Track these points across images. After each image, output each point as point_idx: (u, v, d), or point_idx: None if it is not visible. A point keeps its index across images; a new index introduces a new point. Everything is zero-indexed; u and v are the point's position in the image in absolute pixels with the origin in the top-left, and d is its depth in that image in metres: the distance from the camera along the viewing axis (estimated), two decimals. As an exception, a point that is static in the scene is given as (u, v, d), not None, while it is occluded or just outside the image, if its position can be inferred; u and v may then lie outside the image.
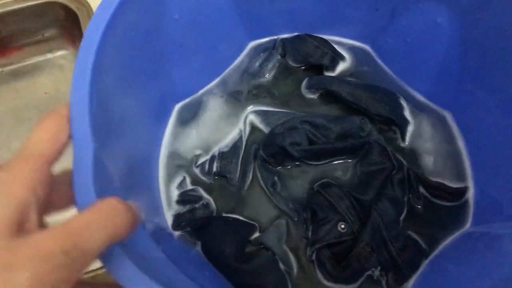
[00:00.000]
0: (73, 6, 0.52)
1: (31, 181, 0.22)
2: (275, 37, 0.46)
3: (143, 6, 0.32)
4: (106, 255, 0.23)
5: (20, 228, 0.20)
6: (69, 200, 0.24)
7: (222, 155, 0.41)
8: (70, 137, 0.25)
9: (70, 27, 0.55)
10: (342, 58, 0.45)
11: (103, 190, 0.25)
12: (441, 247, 0.37)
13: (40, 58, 0.58)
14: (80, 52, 0.27)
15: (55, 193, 0.24)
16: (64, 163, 0.25)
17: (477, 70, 0.37)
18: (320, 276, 0.36)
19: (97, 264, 0.36)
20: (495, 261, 0.30)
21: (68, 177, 0.25)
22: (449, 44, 0.38)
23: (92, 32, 0.28)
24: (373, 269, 0.36)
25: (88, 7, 0.52)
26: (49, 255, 0.19)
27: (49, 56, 0.58)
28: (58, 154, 0.24)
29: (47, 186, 0.23)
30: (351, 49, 0.46)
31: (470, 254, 0.34)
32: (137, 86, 0.35)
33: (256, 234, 0.38)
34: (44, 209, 0.23)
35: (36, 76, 0.57)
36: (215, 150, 0.41)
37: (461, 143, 0.41)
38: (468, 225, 0.38)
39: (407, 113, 0.42)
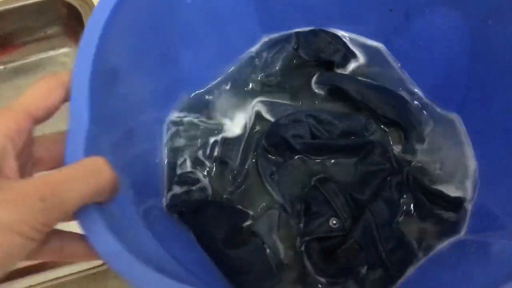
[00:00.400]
0: (75, 3, 0.53)
1: (8, 129, 0.23)
2: (289, 32, 0.46)
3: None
4: (88, 226, 0.23)
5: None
6: (60, 160, 0.25)
7: (224, 141, 0.41)
8: (62, 102, 0.26)
9: (73, 24, 0.55)
10: (354, 56, 0.45)
11: None
12: (433, 252, 0.37)
13: (43, 55, 0.58)
14: (88, 25, 0.28)
15: (46, 152, 0.26)
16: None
17: (486, 76, 0.37)
18: (307, 268, 0.36)
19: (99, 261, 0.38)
20: (484, 268, 0.30)
21: (61, 137, 0.25)
22: (460, 49, 0.38)
23: (102, 8, 0.29)
24: (360, 267, 0.36)
25: (91, 4, 0.52)
26: (26, 199, 0.20)
27: (52, 53, 0.58)
28: (45, 113, 0.25)
29: (27, 137, 0.24)
30: (364, 47, 0.45)
31: (461, 261, 0.34)
32: (145, 69, 0.36)
33: (249, 222, 0.38)
34: (28, 161, 0.25)
35: (38, 74, 0.57)
36: (219, 135, 0.42)
37: (468, 150, 0.40)
38: (462, 233, 0.37)
39: (413, 118, 0.42)
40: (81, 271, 0.40)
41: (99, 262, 0.39)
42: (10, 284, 0.39)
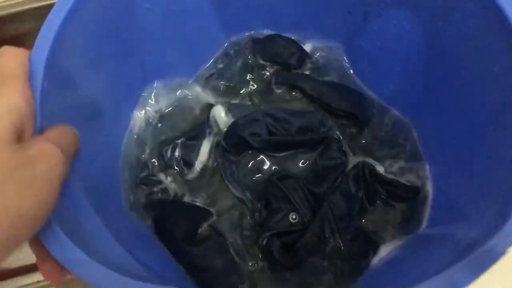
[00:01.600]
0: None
1: (24, 93, 0.25)
2: (248, 35, 0.47)
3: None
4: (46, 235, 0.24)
5: (20, 136, 0.24)
6: None
7: (185, 143, 0.42)
8: None
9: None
10: (309, 58, 0.46)
11: None
12: (394, 244, 0.38)
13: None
14: (42, 29, 0.29)
15: None
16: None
17: (440, 77, 0.38)
18: (269, 263, 0.37)
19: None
20: (443, 255, 0.30)
21: None
22: (415, 50, 0.39)
23: (58, 10, 0.29)
24: (320, 258, 0.36)
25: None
26: (52, 152, 0.24)
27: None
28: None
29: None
30: (323, 49, 0.47)
31: (422, 252, 0.35)
32: (105, 69, 0.36)
33: (211, 220, 0.39)
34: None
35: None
36: (179, 137, 0.42)
37: (420, 145, 0.41)
38: (423, 226, 0.38)
39: (369, 111, 0.43)
40: None
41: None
42: (18, 280, 0.40)
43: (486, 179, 0.31)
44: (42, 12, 0.52)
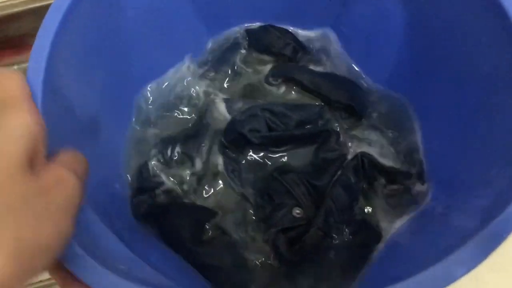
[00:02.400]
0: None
1: (36, 114, 0.24)
2: (238, 30, 0.47)
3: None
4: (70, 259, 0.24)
5: (33, 160, 0.22)
6: None
7: (184, 142, 0.42)
8: None
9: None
10: (304, 48, 0.46)
11: None
12: (397, 228, 0.38)
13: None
14: (35, 45, 0.28)
15: None
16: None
17: (429, 54, 0.38)
18: (276, 259, 0.37)
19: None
20: (444, 234, 0.31)
21: None
22: (401, 30, 0.39)
23: (47, 26, 0.29)
24: (327, 252, 0.36)
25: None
26: (69, 179, 0.23)
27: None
28: None
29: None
30: (313, 39, 0.47)
31: (423, 230, 0.36)
32: (97, 80, 0.36)
33: (215, 219, 0.39)
34: None
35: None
36: (179, 136, 0.42)
37: (418, 129, 0.42)
38: (423, 206, 0.38)
39: (365, 101, 0.43)
40: None
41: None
42: None
43: (488, 148, 0.32)
44: (42, 12, 0.51)
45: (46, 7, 0.50)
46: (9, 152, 0.21)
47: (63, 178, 0.23)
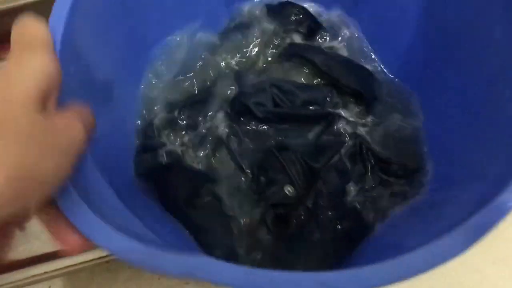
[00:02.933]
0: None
1: (54, 58, 0.26)
2: (257, 1, 0.47)
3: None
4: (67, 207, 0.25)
5: (46, 102, 0.24)
6: None
7: (192, 106, 0.42)
8: None
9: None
10: (321, 28, 0.46)
11: None
12: (392, 218, 0.38)
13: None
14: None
15: None
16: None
17: (441, 50, 0.38)
18: (263, 231, 0.38)
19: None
20: (433, 224, 0.31)
21: None
22: (416, 21, 0.39)
23: None
24: (313, 232, 0.37)
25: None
26: (76, 126, 0.25)
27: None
28: None
29: None
30: (331, 19, 0.47)
31: (418, 221, 0.36)
32: (113, 38, 0.37)
33: (211, 185, 0.40)
34: None
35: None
36: (186, 101, 0.43)
37: (422, 121, 0.42)
38: (423, 195, 0.38)
39: (375, 89, 0.43)
40: (94, 259, 0.41)
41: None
42: (26, 271, 0.40)
43: (488, 141, 0.32)
44: (41, 6, 0.51)
45: (44, 1, 0.50)
46: (27, 87, 0.23)
47: (70, 124, 0.25)
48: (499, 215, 0.24)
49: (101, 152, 0.31)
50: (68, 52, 0.29)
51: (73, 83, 0.29)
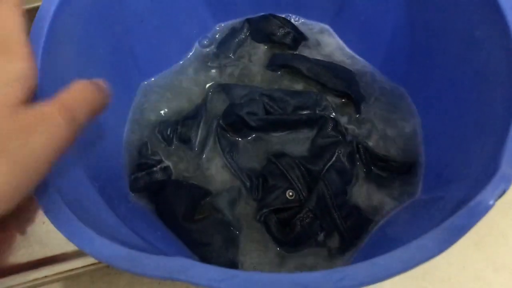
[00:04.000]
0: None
1: (34, 61, 0.25)
2: (241, 19, 0.48)
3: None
4: (50, 209, 0.25)
5: (25, 103, 0.23)
6: None
7: (183, 123, 0.43)
8: None
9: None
10: (304, 38, 0.47)
11: None
12: (389, 216, 0.39)
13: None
14: (35, 22, 0.29)
15: None
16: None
17: (426, 45, 0.39)
18: (267, 238, 0.38)
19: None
20: (434, 218, 0.31)
21: None
22: (399, 21, 0.40)
23: (48, 4, 0.30)
24: (317, 234, 0.37)
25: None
26: (52, 117, 0.23)
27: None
28: None
29: None
30: (312, 29, 0.48)
31: (412, 218, 0.36)
32: (97, 60, 0.37)
33: (209, 198, 0.40)
34: None
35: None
36: (178, 117, 0.44)
37: (415, 118, 0.42)
38: (417, 195, 0.39)
39: (362, 89, 0.44)
40: (95, 264, 0.41)
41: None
42: (26, 275, 0.40)
43: (474, 139, 0.32)
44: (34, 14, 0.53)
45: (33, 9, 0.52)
46: (4, 94, 0.22)
47: (46, 118, 0.23)
48: (479, 215, 0.24)
49: (91, 161, 0.32)
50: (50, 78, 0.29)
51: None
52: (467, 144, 0.33)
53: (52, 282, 0.41)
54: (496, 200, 0.24)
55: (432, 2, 0.36)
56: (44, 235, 0.43)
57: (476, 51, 0.33)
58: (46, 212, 0.25)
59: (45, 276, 0.41)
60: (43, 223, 0.43)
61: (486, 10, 0.31)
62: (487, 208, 0.24)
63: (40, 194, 0.25)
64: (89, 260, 0.41)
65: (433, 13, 0.37)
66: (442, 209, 0.30)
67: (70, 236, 0.24)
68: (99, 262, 0.41)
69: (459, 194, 0.28)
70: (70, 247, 0.43)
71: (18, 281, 0.40)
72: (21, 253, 0.43)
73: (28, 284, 0.40)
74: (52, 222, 0.24)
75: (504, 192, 0.24)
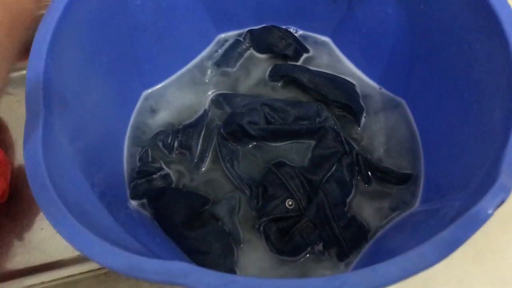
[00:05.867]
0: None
1: None
2: (242, 31, 0.49)
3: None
4: (50, 213, 0.25)
5: None
6: None
7: (184, 131, 0.43)
8: None
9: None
10: (305, 50, 0.48)
11: (51, 153, 0.27)
12: (387, 227, 0.39)
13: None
14: (40, 28, 0.30)
15: None
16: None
17: (425, 58, 0.39)
18: (265, 247, 0.38)
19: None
20: (432, 229, 0.32)
21: None
22: (399, 34, 0.40)
23: (53, 10, 0.30)
24: (316, 244, 0.38)
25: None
26: None
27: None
28: None
29: None
30: (313, 41, 0.49)
31: (411, 229, 0.36)
32: (100, 67, 0.38)
33: (209, 206, 0.40)
34: None
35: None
36: (179, 126, 0.44)
37: (414, 130, 0.43)
38: (415, 206, 0.39)
39: (363, 101, 0.44)
40: (92, 271, 0.41)
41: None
42: (23, 280, 0.40)
43: (474, 150, 0.32)
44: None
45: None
46: None
47: None
48: (478, 224, 0.24)
49: (92, 167, 0.32)
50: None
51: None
52: (466, 155, 0.34)
53: (49, 288, 0.41)
54: (495, 209, 0.24)
55: (432, 15, 0.37)
56: (42, 242, 0.43)
57: (475, 63, 0.33)
58: (47, 215, 0.25)
59: (42, 282, 0.41)
60: (41, 229, 0.43)
61: (486, 23, 0.31)
62: (486, 217, 0.24)
63: (41, 197, 0.25)
64: (86, 267, 0.41)
65: (433, 26, 0.37)
66: (441, 219, 0.30)
67: (70, 239, 0.24)
68: (97, 269, 0.41)
69: (458, 204, 0.28)
70: (68, 253, 0.43)
71: (15, 286, 0.40)
72: (18, 259, 0.43)
73: (25, 290, 0.40)
74: (53, 225, 0.24)
75: (503, 201, 0.24)
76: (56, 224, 0.24)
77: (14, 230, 0.43)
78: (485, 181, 0.26)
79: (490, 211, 0.24)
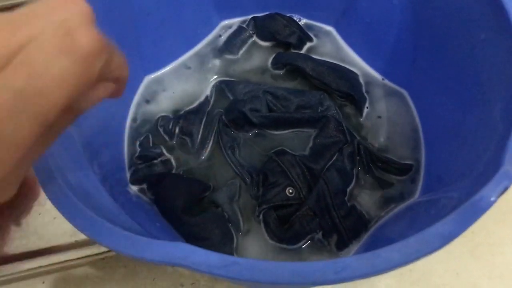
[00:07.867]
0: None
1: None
2: (246, 18, 0.49)
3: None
4: (52, 191, 0.24)
5: None
6: None
7: (186, 117, 0.43)
8: None
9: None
10: (309, 38, 0.48)
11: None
12: (388, 217, 0.39)
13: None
14: None
15: None
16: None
17: (429, 49, 0.39)
18: (265, 235, 0.38)
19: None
20: (432, 219, 0.31)
21: None
22: (403, 24, 0.40)
23: None
24: (315, 233, 0.37)
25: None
26: None
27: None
28: None
29: None
30: (317, 30, 0.48)
31: (411, 219, 0.36)
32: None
33: (209, 193, 0.40)
34: None
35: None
36: (180, 112, 0.44)
37: (416, 120, 0.43)
38: (416, 196, 0.39)
39: (365, 91, 0.44)
40: (90, 256, 0.41)
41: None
42: (20, 265, 0.40)
43: (476, 140, 0.32)
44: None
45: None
46: None
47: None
48: (480, 211, 0.24)
49: (94, 151, 0.32)
50: None
51: None
52: (468, 146, 0.33)
53: (46, 273, 0.41)
54: (498, 196, 0.24)
55: (437, 5, 0.36)
56: (40, 227, 0.43)
57: (480, 54, 0.33)
58: (48, 194, 0.25)
59: (40, 266, 0.41)
60: (39, 214, 0.43)
61: (492, 14, 0.31)
62: (488, 204, 0.24)
63: (43, 177, 0.25)
64: (84, 252, 0.41)
65: (438, 16, 0.37)
66: (442, 209, 0.30)
67: (72, 219, 0.24)
68: (94, 255, 0.41)
69: (460, 194, 0.28)
70: (65, 239, 0.42)
71: (11, 270, 0.40)
72: (16, 244, 0.43)
73: (21, 274, 0.40)
74: (54, 204, 0.24)
75: (506, 189, 0.24)
76: (58, 203, 0.24)
77: (12, 215, 0.43)
78: (488, 170, 0.26)
79: (493, 198, 0.24)
